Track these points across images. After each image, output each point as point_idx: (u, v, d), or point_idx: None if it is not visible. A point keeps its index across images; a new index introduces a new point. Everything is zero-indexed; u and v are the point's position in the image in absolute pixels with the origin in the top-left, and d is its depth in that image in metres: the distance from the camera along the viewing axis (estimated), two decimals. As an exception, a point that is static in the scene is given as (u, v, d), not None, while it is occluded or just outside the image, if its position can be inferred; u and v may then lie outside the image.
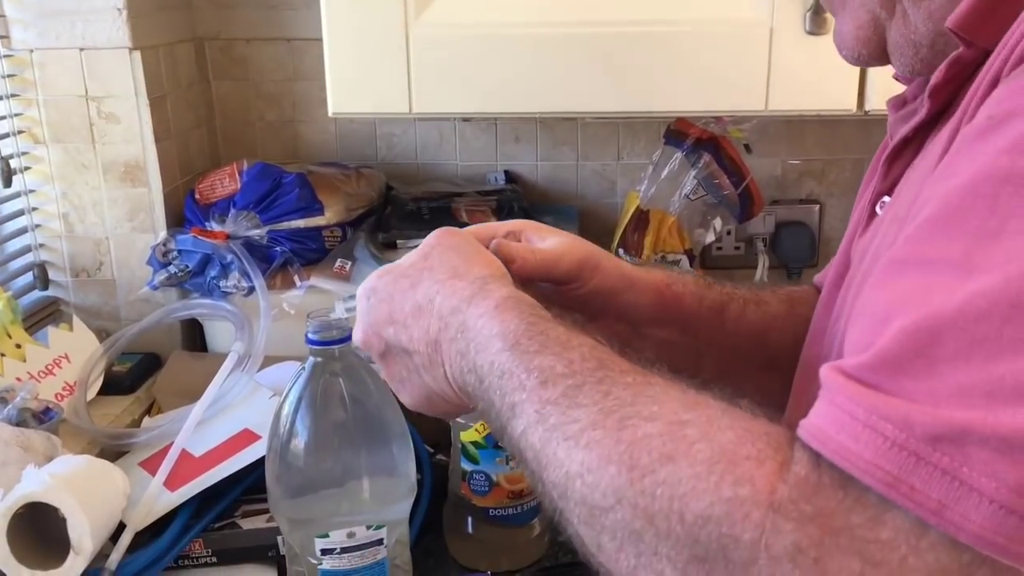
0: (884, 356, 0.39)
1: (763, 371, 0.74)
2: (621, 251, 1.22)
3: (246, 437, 0.95)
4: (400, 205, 1.25)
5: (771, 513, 0.39)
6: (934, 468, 0.37)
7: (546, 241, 0.70)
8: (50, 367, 1.07)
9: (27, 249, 1.20)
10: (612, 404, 0.46)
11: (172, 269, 1.14)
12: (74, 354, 1.09)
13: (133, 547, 0.86)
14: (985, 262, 0.39)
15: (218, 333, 1.19)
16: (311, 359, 0.78)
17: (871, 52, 0.58)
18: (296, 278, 1.13)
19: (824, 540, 0.38)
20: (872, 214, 0.62)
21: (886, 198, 0.60)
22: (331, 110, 1.01)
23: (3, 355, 1.03)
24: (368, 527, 0.78)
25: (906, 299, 0.40)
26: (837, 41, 0.61)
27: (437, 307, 0.58)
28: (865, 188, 0.69)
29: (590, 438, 0.45)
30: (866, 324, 0.42)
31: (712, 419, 0.43)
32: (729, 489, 0.40)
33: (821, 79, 0.97)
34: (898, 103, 0.63)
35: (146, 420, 1.07)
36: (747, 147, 1.25)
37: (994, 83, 0.46)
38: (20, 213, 1.18)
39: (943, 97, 0.54)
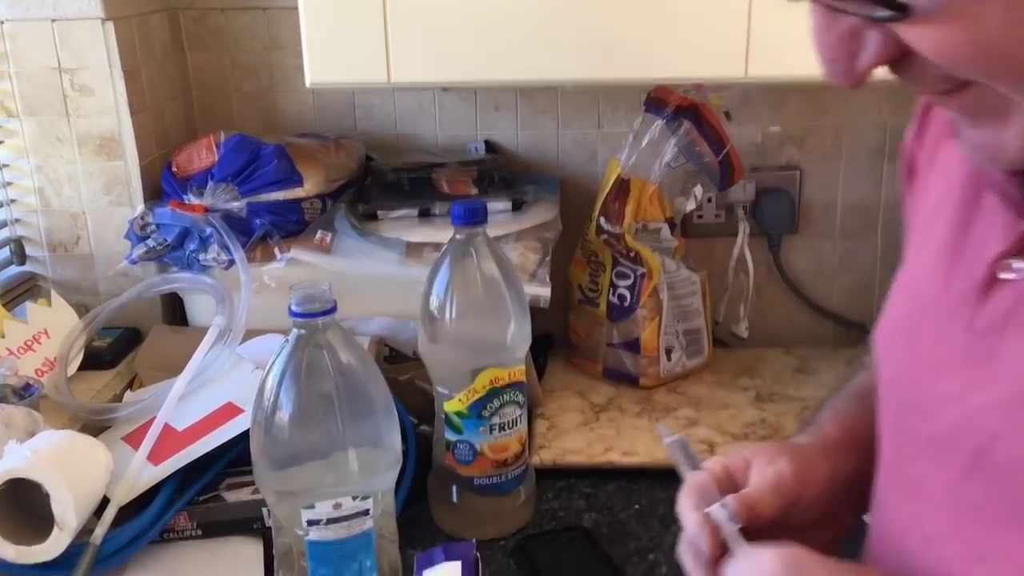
0: None
1: None
2: (603, 220, 1.22)
3: (229, 410, 0.95)
4: (380, 176, 1.25)
5: None
6: None
7: (772, 469, 0.66)
8: (29, 343, 1.06)
9: (3, 224, 1.18)
10: None
11: (151, 243, 1.13)
12: (53, 329, 1.08)
13: (117, 521, 0.86)
14: None
15: (199, 307, 1.18)
16: (295, 331, 0.78)
17: None
18: (276, 250, 1.12)
19: None
20: (993, 279, 0.55)
21: (1016, 261, 0.54)
22: (308, 80, 1.00)
23: (-19, 331, 1.03)
24: (354, 498, 0.79)
25: None
26: (991, 152, 0.50)
27: None
28: (929, 229, 0.62)
29: None
30: None
31: None
32: None
33: (801, 45, 0.96)
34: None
35: (128, 394, 1.07)
36: (727, 114, 1.24)
37: None
38: (-6, 188, 1.17)
39: None
